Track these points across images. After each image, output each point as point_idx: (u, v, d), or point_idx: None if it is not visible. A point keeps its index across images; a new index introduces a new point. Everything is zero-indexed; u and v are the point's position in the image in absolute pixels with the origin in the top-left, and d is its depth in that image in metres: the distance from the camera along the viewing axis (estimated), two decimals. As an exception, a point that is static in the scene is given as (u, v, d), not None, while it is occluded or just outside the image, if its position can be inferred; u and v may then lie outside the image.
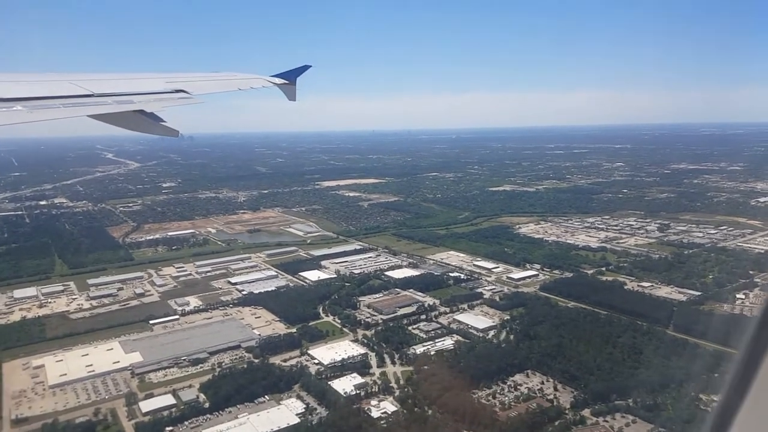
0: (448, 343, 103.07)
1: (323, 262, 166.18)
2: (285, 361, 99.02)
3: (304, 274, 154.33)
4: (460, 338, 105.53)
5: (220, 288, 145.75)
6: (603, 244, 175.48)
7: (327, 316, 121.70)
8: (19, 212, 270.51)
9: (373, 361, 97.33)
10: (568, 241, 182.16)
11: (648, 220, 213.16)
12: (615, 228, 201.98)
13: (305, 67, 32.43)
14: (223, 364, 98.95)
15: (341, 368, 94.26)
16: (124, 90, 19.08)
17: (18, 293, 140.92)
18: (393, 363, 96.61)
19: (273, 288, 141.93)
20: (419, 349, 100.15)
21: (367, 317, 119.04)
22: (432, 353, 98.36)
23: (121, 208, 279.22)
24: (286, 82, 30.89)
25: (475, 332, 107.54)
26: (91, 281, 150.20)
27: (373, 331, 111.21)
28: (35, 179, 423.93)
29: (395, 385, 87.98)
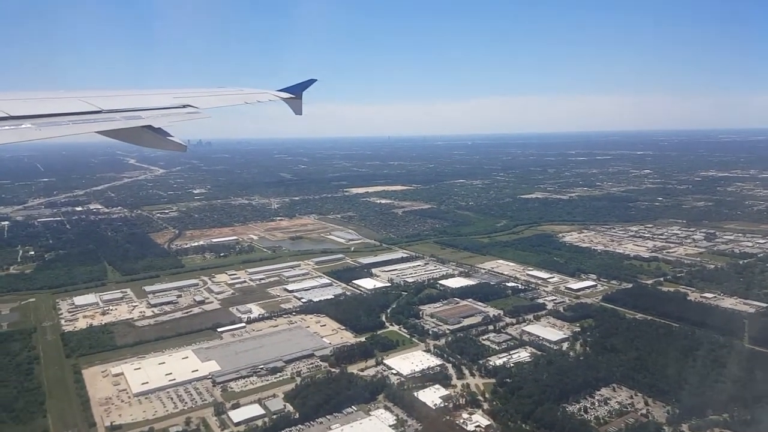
0: (523, 355, 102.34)
1: (373, 270, 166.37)
2: (362, 370, 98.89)
3: (357, 282, 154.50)
4: (534, 350, 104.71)
5: (278, 295, 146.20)
6: (654, 254, 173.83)
7: (392, 325, 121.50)
8: (58, 218, 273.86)
9: (452, 372, 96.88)
10: (617, 251, 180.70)
11: (692, 229, 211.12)
12: (661, 237, 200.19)
13: (311, 81, 32.94)
14: (302, 373, 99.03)
15: (422, 379, 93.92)
16: (133, 106, 19.42)
17: (78, 300, 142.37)
18: (472, 375, 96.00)
19: (331, 296, 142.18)
20: (496, 361, 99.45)
21: (432, 327, 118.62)
22: (510, 365, 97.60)
23: (158, 215, 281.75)
24: (292, 96, 31.41)
25: (548, 344, 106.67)
26: (147, 288, 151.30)
27: (442, 341, 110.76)
28: (65, 185, 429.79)
29: (481, 398, 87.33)
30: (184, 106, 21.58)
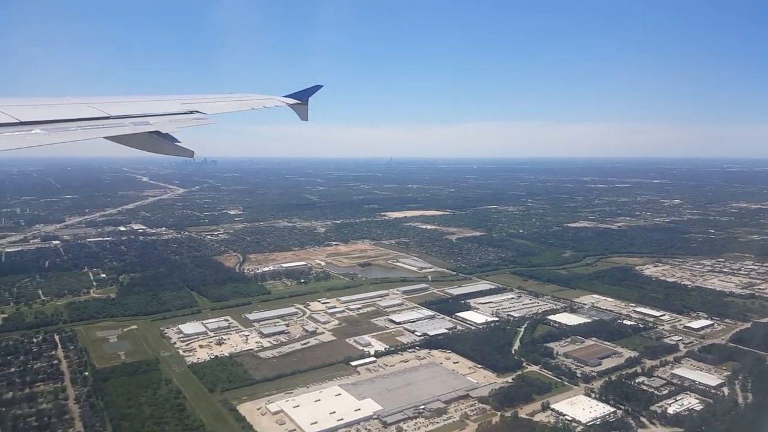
0: (692, 401, 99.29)
1: (470, 302, 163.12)
2: (531, 415, 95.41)
3: (461, 315, 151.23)
4: (697, 396, 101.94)
5: (386, 327, 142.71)
6: (747, 291, 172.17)
7: (529, 364, 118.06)
8: (107, 238, 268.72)
9: (630, 420, 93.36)
10: (707, 287, 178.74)
11: (766, 264, 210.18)
12: (741, 272, 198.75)
13: (317, 87, 32.78)
14: (468, 415, 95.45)
15: (605, 427, 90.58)
16: (140, 112, 19.46)
17: (185, 328, 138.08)
18: (652, 423, 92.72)
19: (444, 330, 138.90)
20: (669, 408, 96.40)
21: (574, 368, 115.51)
22: (687, 413, 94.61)
23: (208, 236, 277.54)
24: (299, 101, 31.43)
25: (709, 389, 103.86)
26: (251, 317, 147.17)
27: (595, 384, 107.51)
28: (92, 203, 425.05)
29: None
30: (191, 112, 21.75)
